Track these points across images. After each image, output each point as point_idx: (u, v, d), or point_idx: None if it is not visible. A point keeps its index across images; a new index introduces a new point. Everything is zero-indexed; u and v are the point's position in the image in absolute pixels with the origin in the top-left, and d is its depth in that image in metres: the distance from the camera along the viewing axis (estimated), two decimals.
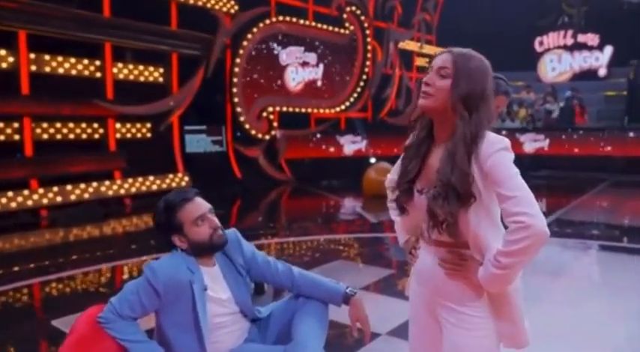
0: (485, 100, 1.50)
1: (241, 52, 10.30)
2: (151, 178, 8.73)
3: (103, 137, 8.29)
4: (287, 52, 11.26)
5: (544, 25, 15.98)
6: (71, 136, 7.91)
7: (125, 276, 4.92)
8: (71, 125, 7.89)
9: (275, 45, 11.04)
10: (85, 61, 7.96)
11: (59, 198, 7.42)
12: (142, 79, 8.84)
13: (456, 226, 1.46)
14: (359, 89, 12.80)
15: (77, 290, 4.49)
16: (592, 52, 15.69)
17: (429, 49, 14.79)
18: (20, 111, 7.20)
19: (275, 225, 7.52)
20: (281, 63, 11.20)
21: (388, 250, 5.79)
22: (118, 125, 8.49)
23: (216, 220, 1.98)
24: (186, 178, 9.27)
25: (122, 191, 8.26)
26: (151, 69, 8.96)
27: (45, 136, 7.57)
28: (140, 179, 8.54)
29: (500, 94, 2.45)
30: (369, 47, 12.86)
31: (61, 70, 7.65)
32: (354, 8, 12.37)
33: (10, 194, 6.92)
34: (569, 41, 15.93)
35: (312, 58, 11.77)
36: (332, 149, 11.93)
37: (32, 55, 7.29)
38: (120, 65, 8.44)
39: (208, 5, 9.47)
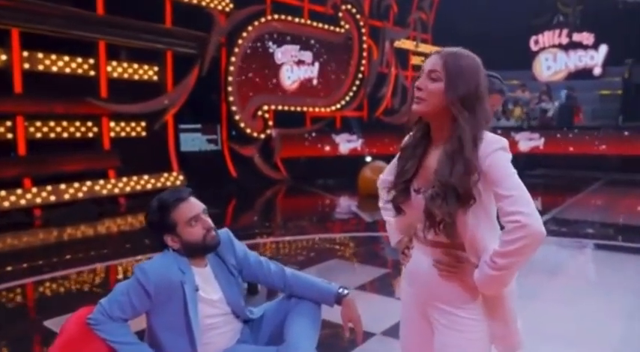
0: (480, 99, 1.49)
1: (236, 50, 10.26)
2: (146, 177, 8.68)
3: (97, 136, 8.24)
4: (282, 51, 11.23)
5: (539, 23, 16.01)
6: (65, 135, 7.85)
7: (119, 276, 4.88)
8: (65, 124, 7.84)
9: (270, 43, 11.00)
10: (79, 59, 7.90)
11: (53, 198, 7.37)
12: (136, 77, 8.79)
13: (453, 227, 1.45)
14: (354, 88, 12.78)
15: (71, 290, 4.46)
16: (587, 51, 15.74)
17: (424, 48, 14.79)
18: (13, 109, 7.14)
19: (270, 224, 7.50)
20: (276, 61, 11.17)
21: (383, 249, 5.78)
22: (112, 124, 8.44)
23: (209, 221, 1.96)
24: (181, 177, 9.23)
25: (116, 190, 8.22)
26: (146, 67, 8.91)
27: (38, 135, 7.52)
28: (135, 178, 8.50)
29: (495, 93, 2.44)
30: (365, 46, 12.84)
31: (54, 68, 7.59)
32: (349, 7, 12.34)
33: (2, 193, 6.86)
34: (565, 40, 15.98)
35: (307, 56, 11.74)
36: (327, 148, 11.91)
37: (25, 53, 7.23)
38: (114, 63, 8.39)
39: (203, 3, 9.43)
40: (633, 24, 13.73)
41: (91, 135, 8.20)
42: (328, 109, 12.35)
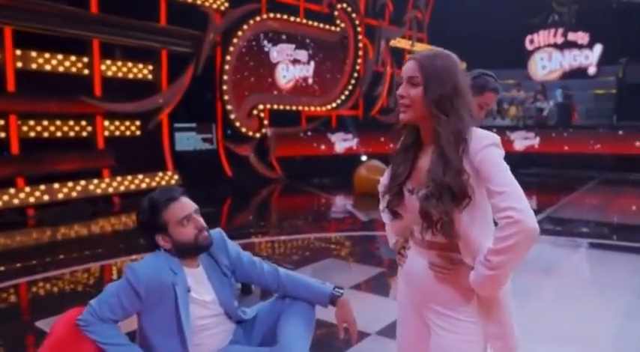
0: (461, 96, 1.48)
1: (232, 49, 10.22)
2: (140, 176, 8.64)
3: (91, 135, 8.19)
4: (278, 50, 11.20)
5: (534, 23, 16.05)
6: (58, 134, 7.80)
7: (113, 276, 4.85)
8: (58, 123, 7.79)
9: (266, 42, 10.97)
10: (73, 58, 7.85)
11: (46, 197, 7.32)
12: (130, 76, 8.75)
13: (451, 226, 1.44)
14: (350, 87, 12.76)
15: (64, 290, 4.43)
16: (582, 51, 15.79)
17: (420, 47, 14.77)
18: (6, 108, 7.09)
19: (266, 224, 7.48)
20: (272, 60, 11.14)
21: (379, 249, 5.77)
22: (106, 123, 8.39)
23: (201, 221, 1.93)
24: (176, 176, 9.19)
25: (111, 189, 8.17)
26: (140, 66, 8.86)
27: (32, 134, 7.47)
28: (129, 177, 8.45)
29: (490, 91, 2.43)
30: (361, 45, 12.83)
31: (48, 67, 7.54)
32: (345, 5, 12.32)
33: None
34: (560, 39, 16.02)
35: (303, 55, 11.72)
36: (323, 147, 11.90)
37: (18, 52, 7.17)
38: (108, 62, 8.34)
39: (198, 2, 9.39)
40: (628, 23, 13.78)
41: (85, 134, 8.15)
42: (324, 108, 12.33)
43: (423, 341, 1.60)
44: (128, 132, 8.79)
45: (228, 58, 10.18)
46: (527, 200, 1.38)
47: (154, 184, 8.69)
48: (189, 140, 9.90)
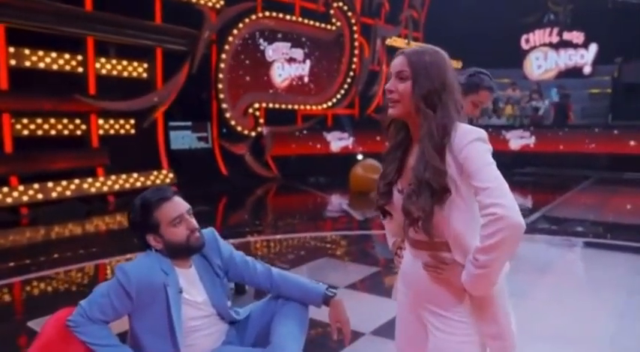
0: (449, 91, 1.47)
1: (227, 47, 10.19)
2: (135, 175, 8.60)
3: (85, 133, 8.15)
4: (273, 48, 11.18)
5: (530, 22, 16.09)
6: (52, 132, 7.76)
7: (108, 276, 4.82)
8: (52, 121, 7.74)
9: (261, 40, 10.95)
10: (67, 56, 7.80)
11: (40, 196, 7.27)
12: (125, 74, 8.70)
13: (430, 223, 1.42)
14: (346, 86, 12.76)
15: (58, 289, 4.40)
16: (577, 50, 15.84)
17: (416, 46, 14.78)
18: None
19: (261, 223, 7.45)
20: (267, 59, 11.12)
21: (374, 248, 5.76)
22: (100, 121, 8.35)
23: (194, 221, 1.91)
24: (171, 175, 9.15)
25: (105, 188, 8.13)
26: (135, 64, 8.82)
27: (25, 132, 7.42)
28: (123, 176, 8.41)
29: (484, 89, 2.42)
30: (356, 44, 12.82)
31: (41, 65, 7.49)
32: (341, 4, 12.32)
33: None
34: (555, 39, 16.08)
35: (298, 54, 11.70)
36: (319, 146, 11.89)
37: (12, 49, 7.12)
38: (103, 60, 8.29)
39: (193, 0, 9.35)
40: (623, 23, 13.81)
41: (79, 132, 8.11)
42: (319, 107, 12.32)
43: (421, 341, 1.59)
44: (123, 131, 8.75)
45: (223, 56, 10.14)
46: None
47: (148, 183, 8.65)
48: (184, 139, 9.87)
